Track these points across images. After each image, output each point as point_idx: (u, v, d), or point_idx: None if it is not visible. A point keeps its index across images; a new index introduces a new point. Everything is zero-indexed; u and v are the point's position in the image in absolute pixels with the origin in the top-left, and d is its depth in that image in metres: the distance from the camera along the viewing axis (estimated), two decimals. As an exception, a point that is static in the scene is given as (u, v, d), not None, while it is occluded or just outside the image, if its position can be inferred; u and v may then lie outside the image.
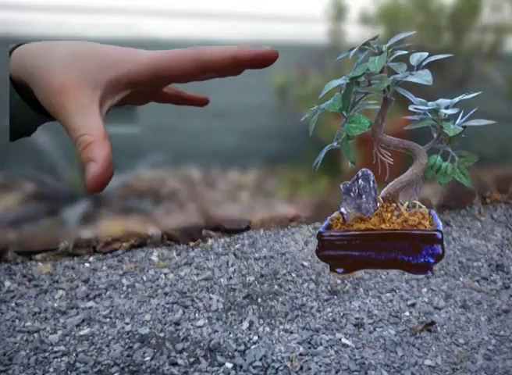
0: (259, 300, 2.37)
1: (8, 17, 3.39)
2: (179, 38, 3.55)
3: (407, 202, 0.53)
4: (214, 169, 3.75)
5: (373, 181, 0.50)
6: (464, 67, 3.50)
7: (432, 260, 0.48)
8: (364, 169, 0.52)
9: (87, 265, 2.64)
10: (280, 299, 2.38)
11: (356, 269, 0.50)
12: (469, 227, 3.20)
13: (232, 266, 2.66)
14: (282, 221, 3.12)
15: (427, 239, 0.48)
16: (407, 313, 2.30)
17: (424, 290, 2.49)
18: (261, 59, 0.39)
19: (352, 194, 0.51)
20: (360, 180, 0.51)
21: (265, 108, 3.67)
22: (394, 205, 0.52)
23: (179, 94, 0.52)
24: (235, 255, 2.77)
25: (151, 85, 0.39)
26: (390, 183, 0.52)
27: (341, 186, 0.51)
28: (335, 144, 0.52)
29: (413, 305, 2.36)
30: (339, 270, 0.50)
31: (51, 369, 1.90)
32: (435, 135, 0.49)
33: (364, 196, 0.50)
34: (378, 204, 0.51)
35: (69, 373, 1.89)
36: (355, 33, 3.40)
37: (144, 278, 2.53)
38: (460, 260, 2.79)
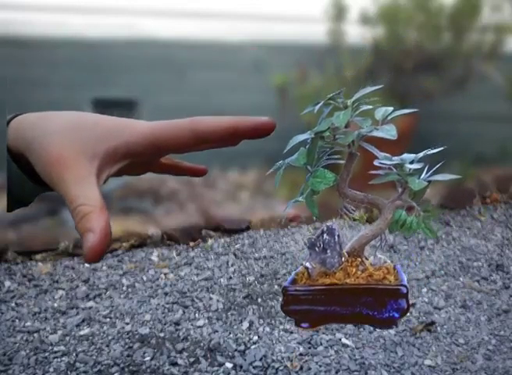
0: (259, 300, 2.37)
1: (8, 17, 3.39)
2: (179, 38, 3.55)
3: (371, 257, 0.54)
4: (214, 169, 3.75)
5: (338, 236, 0.51)
6: (464, 67, 3.51)
7: (396, 315, 0.48)
8: (328, 224, 0.52)
9: (87, 265, 2.64)
10: (280, 299, 2.38)
11: (321, 324, 0.51)
12: (469, 227, 3.20)
13: (232, 266, 2.66)
14: (282, 221, 3.12)
15: (392, 294, 0.49)
16: (407, 313, 2.30)
17: (424, 290, 2.49)
18: (259, 130, 0.39)
19: (317, 249, 0.51)
20: (325, 235, 0.51)
21: (265, 108, 3.67)
22: (359, 259, 0.53)
23: (177, 165, 0.52)
24: (235, 255, 2.77)
25: (148, 156, 0.40)
26: (355, 238, 0.52)
27: (306, 240, 0.52)
28: (300, 198, 0.52)
29: (413, 305, 2.36)
30: (304, 325, 0.50)
31: (51, 369, 1.90)
32: (399, 190, 0.50)
33: (328, 251, 0.51)
34: (343, 258, 0.51)
35: (69, 373, 1.89)
36: (355, 33, 3.39)
37: (144, 278, 2.53)
38: (460, 260, 2.79)
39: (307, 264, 0.51)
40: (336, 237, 0.51)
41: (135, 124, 0.39)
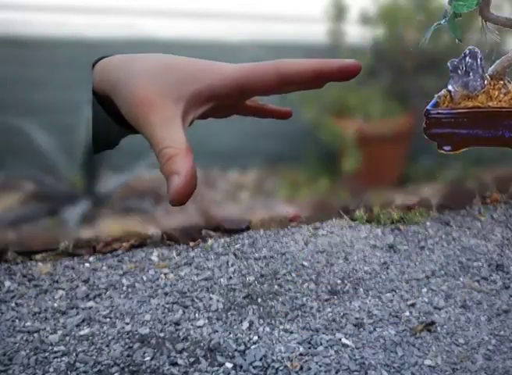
0: (259, 300, 2.37)
1: (8, 17, 3.39)
2: (179, 38, 3.55)
3: None
4: (214, 169, 3.75)
5: (480, 59, 0.50)
6: (463, 67, 3.50)
7: None
8: (471, 47, 0.51)
9: (87, 265, 2.64)
10: (280, 299, 2.38)
11: (463, 147, 0.50)
12: (469, 227, 3.20)
13: (232, 266, 2.66)
14: (282, 221, 3.12)
15: None
16: (407, 313, 2.30)
17: (424, 290, 2.49)
18: (344, 72, 0.38)
19: (459, 72, 0.50)
20: (467, 58, 0.50)
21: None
22: (502, 82, 0.51)
23: (262, 107, 0.52)
24: (235, 255, 2.77)
25: (233, 98, 0.40)
26: (497, 61, 0.52)
27: (448, 64, 0.51)
28: (442, 21, 0.52)
29: (413, 305, 2.36)
30: (446, 148, 0.49)
31: (51, 369, 1.90)
32: None
33: (471, 74, 0.50)
34: (486, 81, 0.49)
35: (69, 373, 1.89)
36: (355, 33, 3.39)
37: (144, 278, 2.53)
38: (460, 260, 2.79)
39: (450, 87, 0.50)
40: (479, 60, 0.50)
41: (221, 67, 0.39)
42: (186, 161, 0.35)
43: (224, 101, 0.40)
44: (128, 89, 0.37)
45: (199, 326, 2.17)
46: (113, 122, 0.42)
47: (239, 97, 0.40)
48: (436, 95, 0.52)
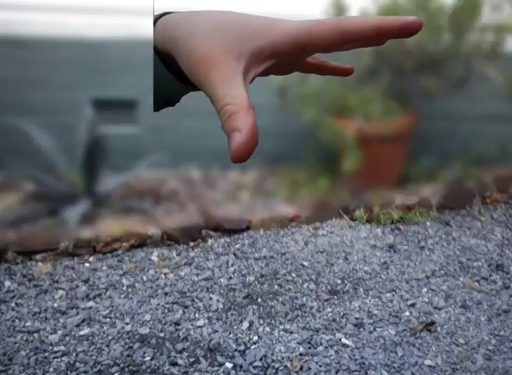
0: (259, 300, 2.37)
1: (8, 17, 3.39)
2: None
3: None
4: (214, 169, 3.75)
5: None
6: (464, 67, 3.50)
7: None
8: None
9: (87, 265, 2.64)
10: (280, 299, 2.38)
11: None
12: (469, 227, 3.20)
13: (232, 266, 2.66)
14: (282, 221, 3.12)
15: None
16: (407, 313, 2.30)
17: (424, 290, 2.49)
18: (405, 29, 0.38)
19: None
20: None
21: (265, 108, 3.66)
22: None
23: (324, 64, 0.51)
24: (235, 255, 2.77)
25: (294, 55, 0.39)
26: None
27: None
28: None
29: (413, 305, 2.36)
30: None
31: (51, 369, 1.90)
32: None
33: None
34: None
35: (69, 373, 1.89)
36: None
37: (144, 278, 2.53)
38: (460, 260, 2.79)
39: None
40: None
41: (282, 23, 0.39)
42: (247, 118, 0.34)
43: (285, 58, 0.39)
44: (189, 46, 0.37)
45: (199, 326, 2.17)
46: (174, 79, 0.42)
47: (300, 54, 0.39)
48: None
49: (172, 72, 0.41)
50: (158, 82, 0.42)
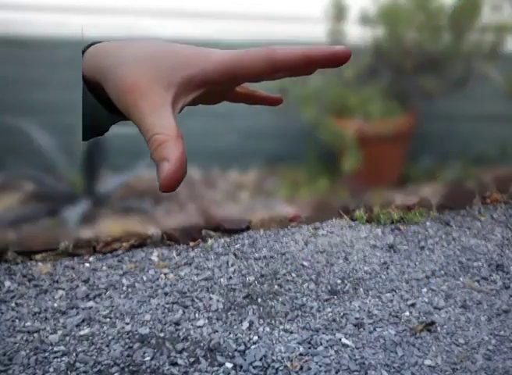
0: (259, 300, 2.37)
1: (8, 17, 3.39)
2: (179, 38, 3.55)
3: None
4: (214, 169, 3.75)
5: None
6: (464, 67, 3.50)
7: None
8: None
9: (87, 265, 2.64)
10: (280, 299, 2.38)
11: None
12: (469, 227, 3.20)
13: (232, 266, 2.66)
14: (282, 221, 3.12)
15: None
16: (407, 313, 2.30)
17: (424, 290, 2.48)
18: (334, 59, 0.39)
19: None
20: None
21: (265, 108, 3.66)
22: None
23: (253, 94, 0.51)
24: (235, 255, 2.77)
25: (224, 84, 0.39)
26: None
27: None
28: None
29: (413, 305, 2.36)
30: None
31: (51, 369, 1.90)
32: None
33: None
34: None
35: (69, 373, 1.89)
36: (355, 33, 3.39)
37: (144, 278, 2.53)
38: (460, 260, 2.79)
39: None
40: None
41: (211, 52, 0.39)
42: (176, 147, 0.34)
43: (215, 88, 0.39)
44: (117, 75, 0.37)
45: (199, 326, 2.17)
46: (103, 108, 0.41)
47: (230, 83, 0.40)
48: None
49: (101, 101, 0.41)
50: (87, 111, 0.41)
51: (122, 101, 0.37)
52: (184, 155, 0.34)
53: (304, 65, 0.38)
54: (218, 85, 0.39)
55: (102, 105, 0.41)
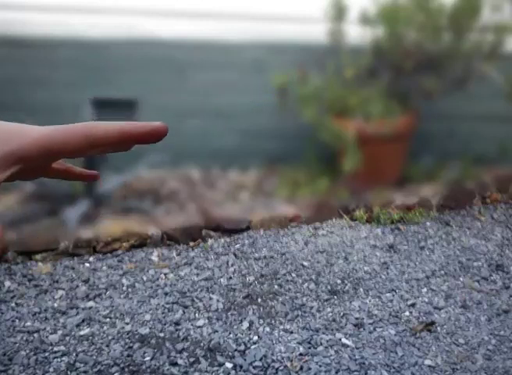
0: (259, 300, 2.37)
1: (8, 17, 3.39)
2: (179, 38, 3.55)
3: None
4: (214, 169, 3.75)
5: None
6: (463, 67, 3.51)
7: None
8: None
9: (87, 265, 2.64)
10: (280, 299, 2.38)
11: None
12: (469, 227, 3.20)
13: (232, 266, 2.66)
14: (282, 221, 3.12)
15: None
16: (407, 313, 2.30)
17: (424, 290, 2.49)
18: (151, 135, 0.40)
19: None
20: None
21: (265, 108, 3.67)
22: None
23: (69, 170, 0.52)
24: (235, 255, 2.77)
25: (41, 161, 0.40)
26: None
27: None
28: None
29: (413, 305, 2.36)
30: None
31: (51, 369, 1.90)
32: None
33: None
34: None
35: (69, 373, 1.89)
36: (355, 33, 3.40)
37: (144, 278, 2.53)
38: (460, 260, 2.79)
39: None
40: None
41: (28, 129, 0.40)
42: None
43: (32, 164, 0.40)
44: None
45: (199, 326, 2.17)
46: None
47: (47, 159, 0.40)
48: None
49: None
50: None
51: None
52: (1, 231, 0.36)
53: (121, 141, 0.39)
54: (34, 162, 0.39)
55: None
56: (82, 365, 1.92)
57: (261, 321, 2.21)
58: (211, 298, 2.37)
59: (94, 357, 1.97)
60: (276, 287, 2.48)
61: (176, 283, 2.49)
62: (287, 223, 3.13)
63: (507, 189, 3.62)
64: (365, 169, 3.33)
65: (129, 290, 2.43)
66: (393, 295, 2.43)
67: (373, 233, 3.05)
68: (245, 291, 2.43)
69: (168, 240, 2.88)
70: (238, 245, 2.88)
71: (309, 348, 2.05)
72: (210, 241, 2.90)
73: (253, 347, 2.04)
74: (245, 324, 2.18)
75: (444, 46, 3.47)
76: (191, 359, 1.97)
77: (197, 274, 2.57)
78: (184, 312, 2.26)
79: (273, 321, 2.22)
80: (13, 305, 2.30)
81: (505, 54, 3.53)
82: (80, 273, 2.56)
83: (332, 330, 2.16)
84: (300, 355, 2.00)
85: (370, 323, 2.21)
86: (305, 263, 2.69)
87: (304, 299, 2.38)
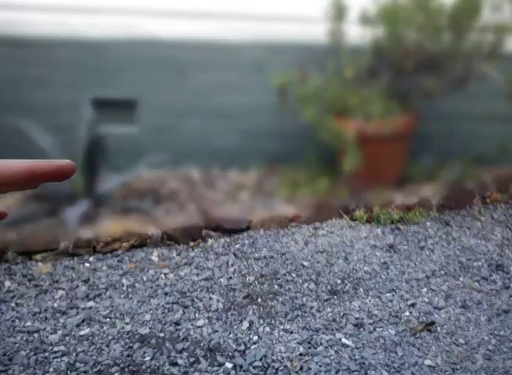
0: (259, 300, 2.37)
1: (8, 17, 3.39)
2: (179, 38, 3.55)
3: None
4: (214, 169, 3.75)
5: None
6: (463, 67, 3.50)
7: None
8: None
9: (87, 265, 2.64)
10: (280, 299, 2.38)
11: None
12: (469, 227, 3.20)
13: (232, 266, 2.66)
14: (282, 221, 3.12)
15: None
16: (407, 313, 2.30)
17: (424, 290, 2.49)
18: (58, 173, 0.39)
19: None
20: None
21: (265, 108, 3.67)
22: None
23: None
24: (235, 255, 2.77)
25: None
26: None
27: None
28: None
29: (413, 305, 2.36)
30: None
31: (51, 369, 1.90)
32: None
33: None
34: None
35: (69, 373, 1.89)
36: (355, 33, 3.40)
37: (144, 278, 2.53)
38: (460, 260, 2.79)
39: None
40: None
41: None
42: None
43: None
44: None
45: (199, 326, 2.17)
46: None
47: None
48: None
49: None
50: None
51: None
52: None
53: (27, 179, 0.38)
54: None
55: None
56: (82, 365, 1.92)
57: (261, 321, 2.21)
58: (211, 298, 2.37)
59: (94, 357, 1.97)
60: (276, 287, 2.48)
61: (175, 283, 2.49)
62: (287, 223, 3.13)
63: (507, 189, 3.62)
64: (365, 169, 3.33)
65: (129, 290, 2.43)
66: (393, 295, 2.43)
67: (373, 233, 3.05)
68: (245, 291, 2.43)
69: (168, 240, 2.88)
70: (238, 245, 2.88)
71: (309, 348, 2.05)
72: (210, 241, 2.90)
73: (253, 347, 2.04)
74: (245, 324, 2.18)
75: (444, 46, 3.47)
76: (191, 359, 1.97)
77: (197, 274, 2.57)
78: (184, 312, 2.26)
79: (273, 321, 2.22)
80: (13, 305, 2.30)
81: (505, 54, 3.53)
82: (80, 273, 2.56)
83: (332, 330, 2.16)
84: (300, 355, 2.00)
85: (370, 323, 2.21)
86: (305, 263, 2.69)
87: (304, 299, 2.38)
